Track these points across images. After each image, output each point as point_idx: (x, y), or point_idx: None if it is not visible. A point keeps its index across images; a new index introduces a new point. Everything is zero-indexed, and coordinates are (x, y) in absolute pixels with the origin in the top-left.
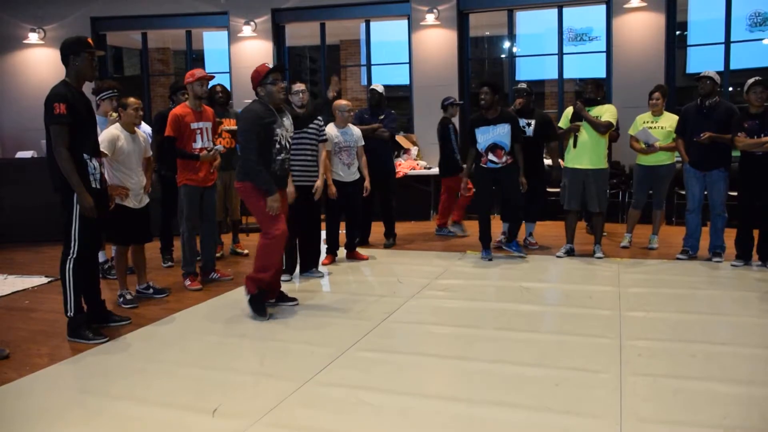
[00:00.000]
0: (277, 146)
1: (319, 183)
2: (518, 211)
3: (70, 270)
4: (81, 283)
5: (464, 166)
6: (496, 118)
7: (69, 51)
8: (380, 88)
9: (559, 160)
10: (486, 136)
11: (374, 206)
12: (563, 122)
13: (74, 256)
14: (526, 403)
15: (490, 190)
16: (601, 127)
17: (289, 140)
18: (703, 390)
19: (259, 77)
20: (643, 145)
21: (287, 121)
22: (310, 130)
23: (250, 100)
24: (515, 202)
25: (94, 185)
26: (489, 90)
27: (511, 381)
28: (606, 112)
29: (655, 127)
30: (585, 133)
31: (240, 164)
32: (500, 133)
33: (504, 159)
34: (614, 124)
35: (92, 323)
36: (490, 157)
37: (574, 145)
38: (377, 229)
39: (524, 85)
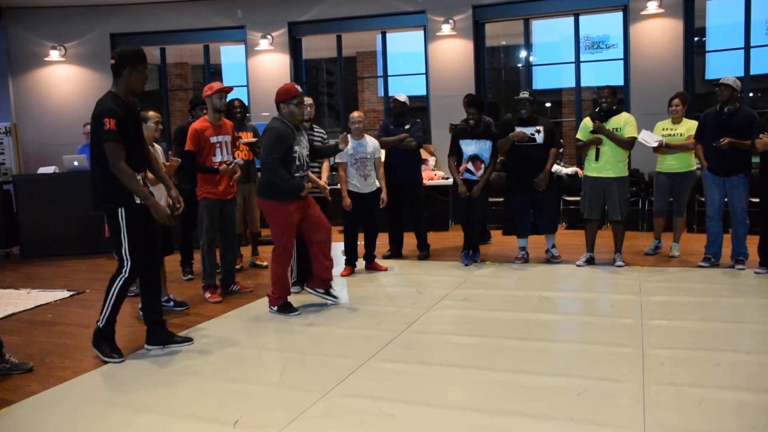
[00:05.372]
0: (297, 163)
1: (344, 192)
2: (475, 225)
3: (117, 287)
4: (122, 301)
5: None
6: (480, 133)
7: (126, 62)
8: (402, 98)
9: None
10: (470, 147)
11: (405, 218)
12: (582, 134)
13: (126, 275)
14: (548, 413)
15: (464, 200)
16: (626, 145)
17: (307, 158)
18: (729, 399)
19: (288, 96)
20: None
21: (304, 139)
22: (316, 143)
23: (268, 114)
24: (475, 218)
25: (138, 201)
26: (475, 111)
27: (532, 391)
28: (626, 125)
29: (674, 134)
30: (605, 144)
31: (261, 180)
32: (482, 147)
33: (480, 172)
34: (637, 136)
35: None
36: (469, 166)
37: (596, 158)
38: (408, 241)
39: (526, 94)
